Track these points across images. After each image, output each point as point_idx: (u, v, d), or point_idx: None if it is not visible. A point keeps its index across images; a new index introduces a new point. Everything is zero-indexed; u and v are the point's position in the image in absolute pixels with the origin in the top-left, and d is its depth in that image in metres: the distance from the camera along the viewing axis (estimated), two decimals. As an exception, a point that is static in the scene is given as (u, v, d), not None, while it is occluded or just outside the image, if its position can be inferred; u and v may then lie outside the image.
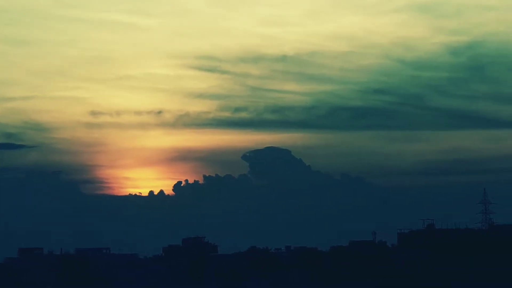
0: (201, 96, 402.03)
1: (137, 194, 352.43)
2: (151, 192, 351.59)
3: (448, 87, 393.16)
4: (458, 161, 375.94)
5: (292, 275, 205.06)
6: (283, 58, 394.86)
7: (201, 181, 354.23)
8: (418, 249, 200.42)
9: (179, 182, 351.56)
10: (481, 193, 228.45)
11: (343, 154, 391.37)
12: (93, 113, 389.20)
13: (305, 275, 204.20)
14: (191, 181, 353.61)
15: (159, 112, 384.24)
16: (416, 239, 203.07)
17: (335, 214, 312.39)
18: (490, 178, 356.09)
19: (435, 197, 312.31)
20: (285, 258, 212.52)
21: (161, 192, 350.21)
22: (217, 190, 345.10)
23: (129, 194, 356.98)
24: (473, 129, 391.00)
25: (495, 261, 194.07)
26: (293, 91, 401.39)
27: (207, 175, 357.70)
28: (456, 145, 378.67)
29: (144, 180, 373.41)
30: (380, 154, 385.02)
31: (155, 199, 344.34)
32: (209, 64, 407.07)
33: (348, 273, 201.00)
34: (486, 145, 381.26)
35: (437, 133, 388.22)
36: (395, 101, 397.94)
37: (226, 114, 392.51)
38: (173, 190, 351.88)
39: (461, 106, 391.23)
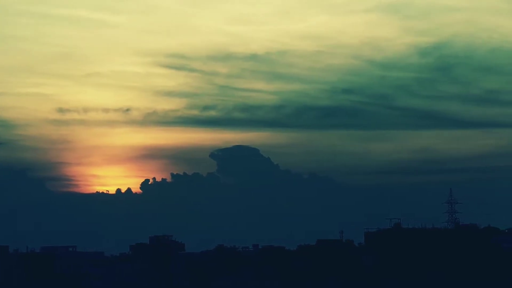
0: (169, 94, 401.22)
1: (104, 192, 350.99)
2: (118, 190, 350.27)
3: (416, 87, 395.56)
4: (425, 160, 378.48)
5: (259, 274, 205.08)
6: (252, 57, 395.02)
7: (168, 179, 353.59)
8: (385, 248, 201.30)
9: (147, 180, 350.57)
10: (447, 193, 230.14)
11: (311, 153, 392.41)
12: (60, 110, 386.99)
13: (273, 273, 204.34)
14: (158, 179, 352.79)
15: (127, 110, 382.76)
16: (383, 238, 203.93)
17: (303, 213, 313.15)
18: (456, 178, 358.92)
19: (402, 197, 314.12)
20: (252, 257, 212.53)
21: (129, 190, 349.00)
22: (185, 188, 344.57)
23: (96, 191, 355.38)
24: (440, 129, 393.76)
25: (461, 260, 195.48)
26: (262, 90, 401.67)
27: (175, 173, 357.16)
28: (423, 145, 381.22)
29: (111, 178, 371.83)
30: (348, 153, 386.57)
31: (122, 197, 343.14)
32: (177, 62, 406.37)
33: (315, 272, 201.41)
34: (452, 145, 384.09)
35: (404, 133, 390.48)
36: (363, 101, 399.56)
37: (195, 112, 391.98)
38: (140, 188, 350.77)
39: (428, 106, 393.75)
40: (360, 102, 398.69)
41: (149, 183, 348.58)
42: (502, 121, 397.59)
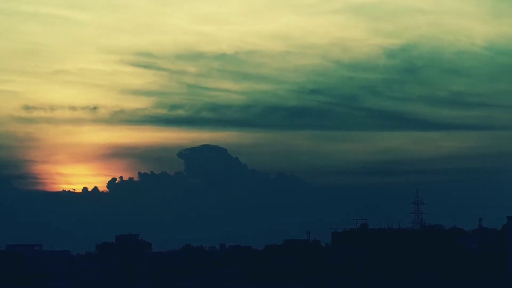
0: (137, 92, 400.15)
1: (71, 190, 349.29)
2: (85, 189, 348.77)
3: (383, 89, 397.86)
4: (392, 161, 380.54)
5: (226, 274, 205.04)
6: (221, 56, 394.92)
7: (136, 178, 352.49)
8: (352, 248, 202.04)
9: (114, 179, 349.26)
10: (413, 194, 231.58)
11: (278, 153, 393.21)
12: (27, 108, 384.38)
13: (239, 273, 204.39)
14: (125, 178, 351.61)
15: (94, 108, 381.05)
16: (350, 238, 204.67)
17: (270, 213, 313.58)
18: (422, 179, 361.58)
19: (368, 197, 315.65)
20: (219, 257, 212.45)
21: (95, 188, 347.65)
22: (152, 188, 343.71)
23: (63, 190, 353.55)
24: (406, 131, 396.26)
25: (426, 260, 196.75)
26: (230, 90, 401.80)
27: (142, 172, 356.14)
28: (390, 145, 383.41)
29: (78, 176, 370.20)
30: (315, 153, 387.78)
31: (89, 196, 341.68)
32: (145, 61, 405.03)
33: (282, 272, 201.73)
34: (418, 146, 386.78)
35: (371, 134, 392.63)
36: (330, 102, 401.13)
37: (162, 111, 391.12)
38: (107, 186, 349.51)
39: (395, 107, 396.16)
40: (328, 102, 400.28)
41: (116, 182, 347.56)
42: (468, 123, 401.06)
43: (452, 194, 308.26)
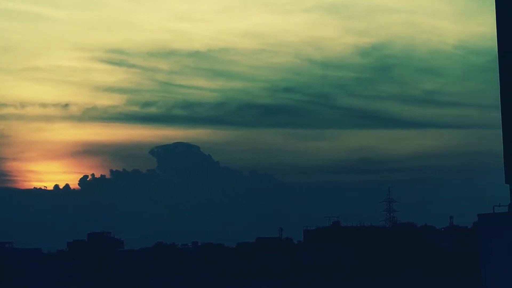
0: (109, 90, 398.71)
1: (42, 187, 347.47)
2: (56, 186, 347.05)
3: (355, 87, 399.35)
4: (364, 160, 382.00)
5: (198, 271, 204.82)
6: (193, 54, 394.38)
7: (108, 176, 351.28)
8: (324, 246, 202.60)
9: (85, 176, 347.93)
10: (385, 192, 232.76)
11: (251, 151, 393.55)
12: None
13: (212, 270, 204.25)
14: (97, 175, 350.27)
15: (66, 105, 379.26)
16: (322, 236, 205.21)
17: (243, 211, 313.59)
18: (394, 177, 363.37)
19: (341, 195, 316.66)
20: (192, 254, 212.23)
21: (67, 186, 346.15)
22: (124, 185, 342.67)
23: (34, 187, 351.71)
24: (378, 129, 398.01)
25: (398, 257, 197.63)
26: (203, 87, 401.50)
27: (114, 169, 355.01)
28: (362, 144, 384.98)
29: (49, 174, 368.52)
30: (288, 151, 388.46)
31: (60, 193, 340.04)
32: (117, 58, 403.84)
33: (255, 269, 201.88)
34: (391, 144, 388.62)
35: (343, 132, 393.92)
36: (303, 100, 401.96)
37: (135, 109, 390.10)
38: (79, 184, 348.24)
39: (367, 106, 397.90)
40: (301, 101, 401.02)
41: (88, 179, 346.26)
42: (440, 121, 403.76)
43: (424, 192, 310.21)
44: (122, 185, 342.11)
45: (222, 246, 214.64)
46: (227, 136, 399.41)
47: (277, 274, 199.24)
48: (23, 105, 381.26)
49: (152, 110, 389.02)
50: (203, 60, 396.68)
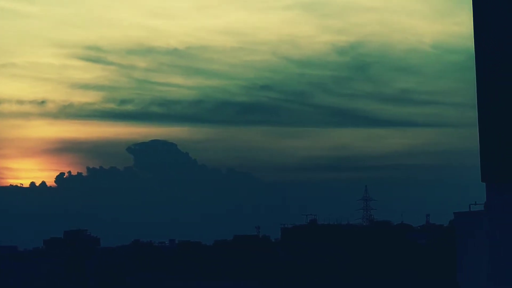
0: (86, 87, 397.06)
1: (18, 185, 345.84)
2: (32, 183, 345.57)
3: (332, 85, 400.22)
4: (341, 158, 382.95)
5: (176, 269, 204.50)
6: (170, 51, 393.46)
7: (84, 173, 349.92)
8: (301, 244, 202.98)
9: (62, 174, 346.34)
10: (362, 190, 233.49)
11: (229, 149, 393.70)
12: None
13: (189, 268, 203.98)
14: (74, 172, 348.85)
15: (42, 102, 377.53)
16: (299, 234, 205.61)
17: (220, 208, 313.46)
18: (371, 175, 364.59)
19: (318, 193, 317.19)
20: (169, 252, 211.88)
21: (43, 183, 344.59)
22: (101, 183, 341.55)
23: (10, 185, 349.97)
24: (355, 127, 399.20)
25: (375, 255, 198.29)
26: (180, 85, 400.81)
27: (91, 167, 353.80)
28: (339, 142, 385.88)
29: (26, 171, 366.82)
30: (265, 149, 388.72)
31: (37, 191, 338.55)
32: (94, 55, 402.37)
33: (232, 267, 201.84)
34: (367, 143, 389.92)
35: (320, 130, 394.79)
36: (280, 98, 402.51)
37: (111, 106, 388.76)
38: (55, 181, 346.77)
39: (344, 104, 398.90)
40: (278, 99, 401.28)
41: (64, 176, 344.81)
42: (416, 120, 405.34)
43: (400, 191, 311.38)
44: (99, 182, 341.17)
45: (200, 243, 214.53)
46: (205, 134, 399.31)
47: (254, 271, 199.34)
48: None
49: (129, 107, 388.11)
50: (180, 58, 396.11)
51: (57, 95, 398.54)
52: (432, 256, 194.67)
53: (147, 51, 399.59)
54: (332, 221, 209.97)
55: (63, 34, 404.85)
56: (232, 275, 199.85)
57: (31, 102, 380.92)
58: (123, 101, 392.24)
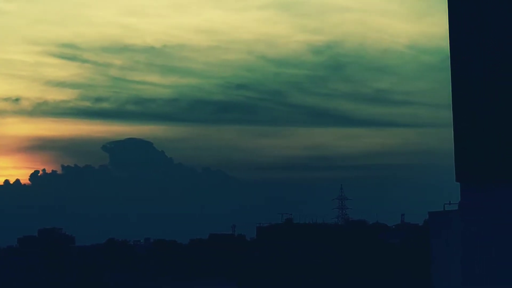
0: (61, 84, 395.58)
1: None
2: (6, 181, 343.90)
3: (308, 85, 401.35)
4: (316, 157, 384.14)
5: (150, 267, 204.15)
6: (147, 50, 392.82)
7: (59, 171, 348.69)
8: (276, 243, 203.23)
9: (36, 172, 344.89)
10: (338, 189, 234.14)
11: (205, 148, 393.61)
12: None
13: (164, 267, 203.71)
14: (48, 170, 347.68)
15: (17, 100, 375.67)
16: (275, 233, 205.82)
17: (196, 207, 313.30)
18: (347, 175, 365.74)
19: (294, 192, 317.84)
20: (144, 250, 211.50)
21: (17, 181, 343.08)
22: (76, 181, 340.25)
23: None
24: (331, 127, 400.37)
25: (350, 254, 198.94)
26: (156, 83, 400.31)
27: (66, 165, 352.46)
28: (315, 141, 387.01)
29: (0, 169, 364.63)
30: (241, 148, 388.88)
31: (11, 188, 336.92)
32: (70, 53, 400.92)
33: (207, 266, 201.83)
34: (343, 142, 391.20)
35: (296, 130, 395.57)
36: (256, 97, 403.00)
37: (87, 104, 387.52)
38: (29, 179, 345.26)
39: (320, 103, 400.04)
40: (254, 98, 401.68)
41: (39, 174, 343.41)
42: (391, 120, 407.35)
43: (376, 190, 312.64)
44: (73, 180, 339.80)
45: (175, 242, 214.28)
46: (181, 132, 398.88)
47: (230, 270, 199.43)
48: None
49: (105, 105, 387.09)
50: (156, 56, 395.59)
51: (32, 92, 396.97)
52: (406, 256, 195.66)
53: (123, 49, 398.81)
54: (307, 220, 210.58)
55: (38, 31, 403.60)
56: (207, 273, 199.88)
57: (6, 99, 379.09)
58: (98, 99, 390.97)
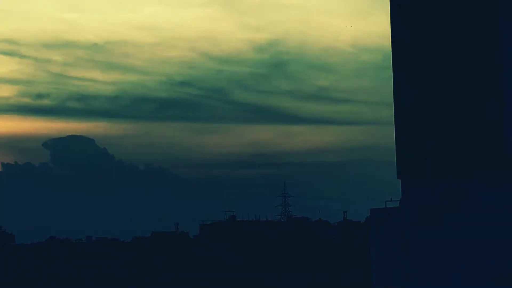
0: (0, 81, 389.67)
1: None
2: None
3: (251, 82, 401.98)
4: (259, 154, 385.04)
5: (93, 266, 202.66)
6: (88, 46, 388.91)
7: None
8: (220, 240, 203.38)
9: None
10: (281, 186, 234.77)
11: (147, 145, 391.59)
12: None
13: (106, 265, 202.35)
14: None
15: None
16: (218, 231, 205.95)
17: (138, 205, 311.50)
18: (290, 172, 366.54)
19: (237, 190, 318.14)
20: (86, 249, 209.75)
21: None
22: (16, 179, 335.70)
23: None
24: (273, 124, 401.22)
25: (293, 251, 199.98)
26: (98, 80, 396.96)
27: (5, 162, 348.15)
28: (257, 139, 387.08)
29: None
30: (183, 145, 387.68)
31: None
32: (8, 48, 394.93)
33: (150, 264, 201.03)
34: (286, 139, 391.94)
35: (239, 127, 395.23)
36: (199, 94, 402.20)
37: (27, 100, 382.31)
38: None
39: (263, 101, 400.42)
40: (197, 95, 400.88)
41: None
42: (333, 118, 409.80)
43: (319, 187, 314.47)
44: (13, 178, 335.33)
45: (117, 240, 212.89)
46: (123, 129, 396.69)
47: (173, 268, 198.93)
48: None
49: (46, 102, 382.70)
50: (98, 53, 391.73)
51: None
52: (347, 252, 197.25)
53: (64, 45, 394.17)
54: (251, 217, 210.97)
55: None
56: (150, 271, 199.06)
57: None
58: (39, 96, 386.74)
